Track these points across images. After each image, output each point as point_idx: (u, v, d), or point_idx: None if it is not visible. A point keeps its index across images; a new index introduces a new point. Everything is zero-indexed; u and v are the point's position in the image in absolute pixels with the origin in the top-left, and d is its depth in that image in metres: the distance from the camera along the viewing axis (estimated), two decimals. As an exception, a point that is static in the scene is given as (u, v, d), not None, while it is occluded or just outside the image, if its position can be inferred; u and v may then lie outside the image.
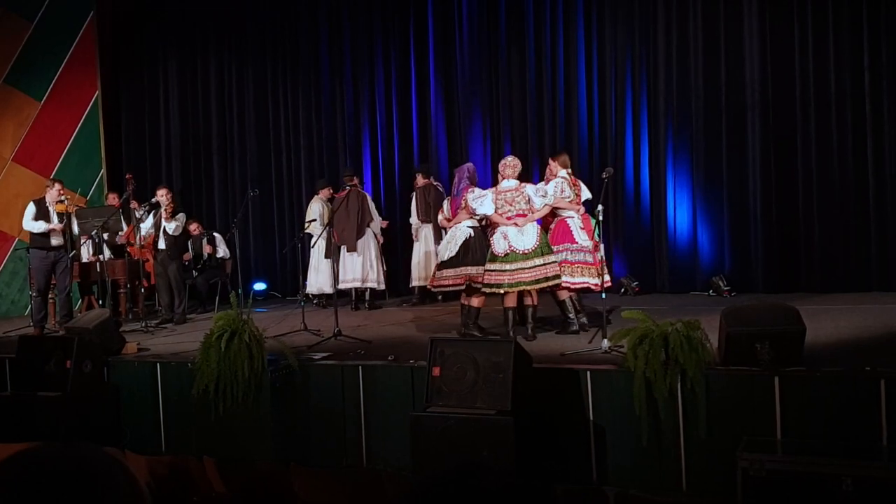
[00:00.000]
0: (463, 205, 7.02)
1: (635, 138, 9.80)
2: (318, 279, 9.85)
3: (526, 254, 6.65)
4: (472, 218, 7.02)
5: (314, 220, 9.72)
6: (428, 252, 9.45)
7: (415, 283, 9.71)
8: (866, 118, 8.61)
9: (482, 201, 6.86)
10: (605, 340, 5.76)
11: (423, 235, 9.63)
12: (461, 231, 7.02)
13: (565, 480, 5.15)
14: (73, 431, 5.97)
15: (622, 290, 9.48)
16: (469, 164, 7.50)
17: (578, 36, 10.07)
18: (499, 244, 6.71)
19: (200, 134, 12.25)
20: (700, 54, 9.37)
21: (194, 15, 12.19)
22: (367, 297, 9.67)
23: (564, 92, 10.16)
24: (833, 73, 8.75)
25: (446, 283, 7.02)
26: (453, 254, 6.95)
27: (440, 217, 7.60)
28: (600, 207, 6.31)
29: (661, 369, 4.91)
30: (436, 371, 5.22)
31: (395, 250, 10.48)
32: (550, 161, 7.47)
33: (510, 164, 7.01)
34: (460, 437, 4.94)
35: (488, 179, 9.33)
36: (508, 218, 6.78)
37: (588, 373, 5.29)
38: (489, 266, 6.76)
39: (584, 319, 7.00)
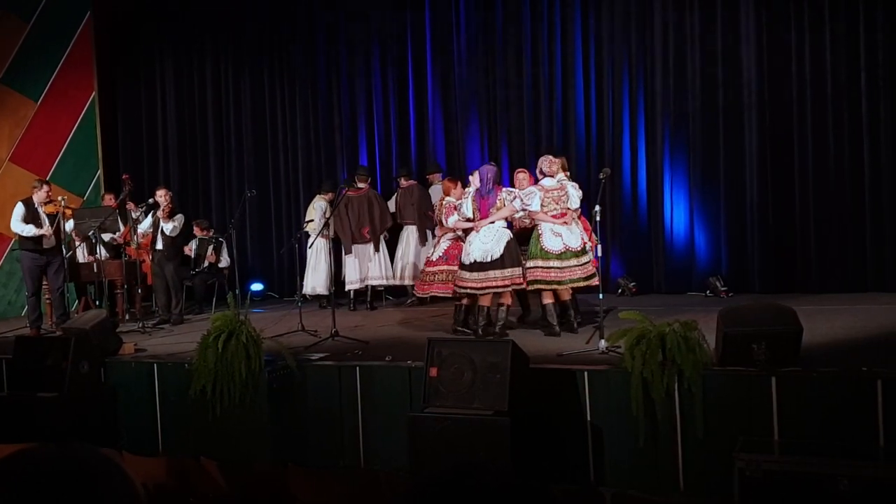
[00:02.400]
0: (499, 205, 6.91)
1: (632, 139, 9.80)
2: (313, 279, 9.85)
3: (576, 252, 6.85)
4: (509, 217, 6.99)
5: (312, 220, 9.73)
6: (407, 252, 9.59)
7: (397, 281, 9.74)
8: (863, 118, 8.62)
9: (532, 198, 6.91)
10: (603, 341, 5.77)
11: (405, 236, 9.70)
12: (501, 232, 6.88)
13: (562, 481, 5.16)
14: (69, 432, 5.96)
15: (619, 290, 9.49)
16: (492, 165, 7.36)
17: (576, 36, 10.07)
18: (552, 242, 6.80)
19: (197, 134, 12.24)
20: (697, 54, 9.38)
21: (191, 15, 12.17)
22: (369, 297, 9.69)
23: (562, 93, 10.16)
24: (830, 74, 8.76)
25: (495, 284, 6.76)
26: (497, 256, 6.75)
27: (453, 218, 7.17)
28: (597, 208, 6.31)
29: (658, 370, 4.91)
30: (433, 372, 5.22)
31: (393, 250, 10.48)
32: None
33: (556, 162, 7.17)
34: (458, 438, 4.94)
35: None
36: (554, 216, 6.91)
37: (585, 373, 5.30)
38: (539, 263, 6.80)
39: (578, 319, 7.03)
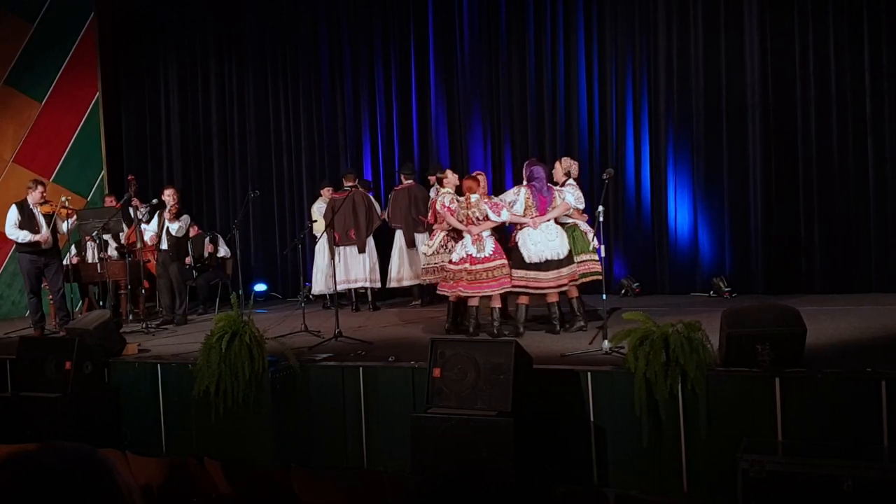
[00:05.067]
0: (555, 202, 7.05)
1: (636, 139, 9.79)
2: (320, 279, 9.83)
3: None
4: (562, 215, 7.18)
5: (316, 220, 9.72)
6: (401, 252, 9.60)
7: (394, 283, 9.72)
8: (866, 119, 8.60)
9: (581, 196, 7.37)
10: (606, 341, 5.76)
11: (395, 239, 9.71)
12: (559, 229, 7.08)
13: (566, 481, 5.15)
14: (73, 432, 5.97)
15: (623, 290, 9.48)
16: (539, 161, 7.50)
17: (579, 37, 10.06)
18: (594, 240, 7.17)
19: (201, 135, 12.25)
20: (700, 55, 9.37)
21: (194, 16, 12.20)
22: (370, 297, 9.67)
23: (565, 93, 10.15)
24: (833, 74, 8.74)
25: (566, 282, 6.97)
26: (565, 254, 6.95)
27: (507, 213, 7.05)
28: (601, 209, 6.31)
29: (661, 370, 4.90)
30: (436, 372, 5.22)
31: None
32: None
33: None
34: (461, 439, 4.93)
35: (490, 181, 9.31)
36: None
37: (589, 374, 5.29)
38: (595, 257, 7.19)
39: (581, 322, 7.06)
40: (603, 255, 6.72)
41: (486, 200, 7.05)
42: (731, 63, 9.21)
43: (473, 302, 7.05)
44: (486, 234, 7.00)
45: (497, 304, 6.97)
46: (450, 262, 7.21)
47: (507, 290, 6.96)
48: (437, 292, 7.41)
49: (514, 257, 6.98)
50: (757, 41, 9.07)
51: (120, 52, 12.38)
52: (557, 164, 7.65)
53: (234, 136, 12.06)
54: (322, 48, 11.51)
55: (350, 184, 9.43)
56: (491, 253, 6.92)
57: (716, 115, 9.31)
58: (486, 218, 6.98)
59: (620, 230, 9.89)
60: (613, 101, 9.90)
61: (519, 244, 6.97)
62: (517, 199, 7.02)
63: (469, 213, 7.07)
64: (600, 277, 6.96)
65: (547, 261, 6.88)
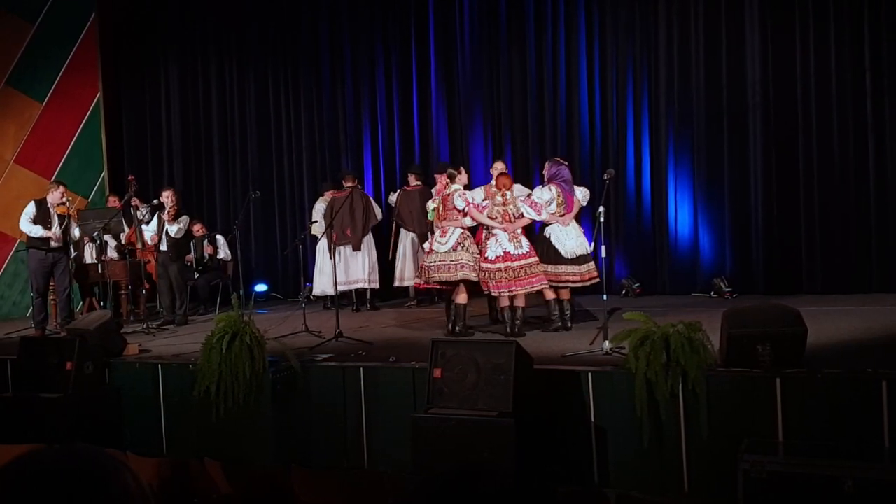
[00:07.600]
0: (576, 200, 7.33)
1: (636, 139, 9.79)
2: (321, 280, 9.83)
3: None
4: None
5: (316, 220, 9.73)
6: (405, 253, 9.56)
7: (397, 283, 9.72)
8: (867, 119, 8.60)
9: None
10: (607, 342, 5.76)
11: (402, 239, 9.69)
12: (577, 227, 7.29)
13: (566, 482, 5.15)
14: (73, 433, 5.97)
15: (623, 291, 9.48)
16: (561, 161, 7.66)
17: (580, 37, 10.06)
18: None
19: (202, 135, 12.26)
20: (701, 55, 9.37)
21: (195, 16, 12.20)
22: (369, 297, 9.67)
23: (566, 93, 10.15)
24: (834, 74, 8.74)
25: (593, 276, 7.15)
26: (589, 250, 7.16)
27: (545, 212, 7.15)
28: (601, 209, 6.31)
29: (662, 371, 4.90)
30: (437, 373, 5.22)
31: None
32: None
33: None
34: (461, 439, 4.93)
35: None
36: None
37: (589, 374, 5.29)
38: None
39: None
40: (604, 255, 6.69)
41: (524, 199, 7.17)
42: (731, 63, 9.21)
43: (505, 301, 6.95)
44: (519, 232, 7.12)
45: (521, 302, 6.95)
46: (485, 260, 7.04)
47: (544, 286, 7.03)
48: (485, 293, 7.26)
49: (547, 253, 7.08)
50: (758, 41, 9.06)
51: (121, 53, 12.38)
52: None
53: (235, 136, 12.07)
54: (322, 48, 11.52)
55: (349, 184, 9.44)
56: (528, 250, 7.00)
57: (716, 114, 9.31)
58: (522, 215, 7.10)
59: (621, 230, 9.89)
60: (614, 100, 9.90)
61: (552, 240, 7.11)
62: (552, 197, 7.17)
63: (506, 209, 7.07)
64: (597, 278, 7.02)
65: (580, 256, 7.08)
